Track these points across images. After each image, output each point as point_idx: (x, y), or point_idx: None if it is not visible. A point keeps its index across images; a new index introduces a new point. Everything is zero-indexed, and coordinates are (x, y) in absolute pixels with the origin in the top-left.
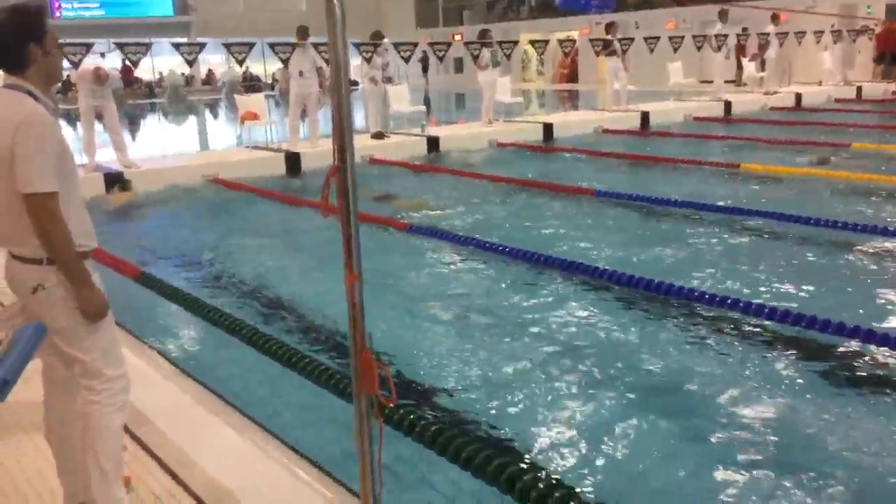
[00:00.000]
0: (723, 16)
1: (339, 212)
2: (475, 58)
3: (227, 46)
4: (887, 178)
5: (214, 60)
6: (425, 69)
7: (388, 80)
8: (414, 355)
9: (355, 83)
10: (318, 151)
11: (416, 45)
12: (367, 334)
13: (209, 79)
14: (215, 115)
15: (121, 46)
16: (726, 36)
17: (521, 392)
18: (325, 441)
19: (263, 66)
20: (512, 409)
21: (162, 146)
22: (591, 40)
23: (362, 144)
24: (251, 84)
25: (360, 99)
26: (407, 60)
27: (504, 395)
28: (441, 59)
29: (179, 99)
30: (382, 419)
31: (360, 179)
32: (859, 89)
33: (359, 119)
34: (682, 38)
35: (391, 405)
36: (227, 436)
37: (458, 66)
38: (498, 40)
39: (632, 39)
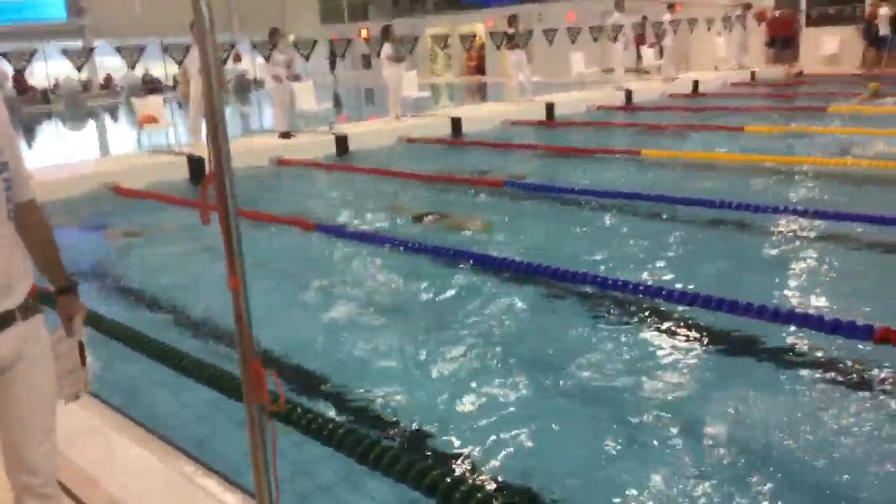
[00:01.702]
0: (619, 5)
1: (220, 219)
2: (377, 54)
3: (119, 50)
4: (777, 159)
5: (113, 64)
6: (333, 65)
7: (296, 77)
8: (322, 354)
9: (260, 82)
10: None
11: (315, 42)
12: (255, 339)
13: (107, 83)
14: (115, 121)
15: (3, 54)
16: (622, 26)
17: (432, 386)
18: (230, 447)
19: (164, 67)
20: (421, 405)
21: (58, 155)
22: (491, 34)
23: (270, 145)
24: (151, 87)
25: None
26: (307, 58)
27: (415, 390)
28: (343, 55)
29: (77, 105)
30: (277, 423)
31: (274, 184)
32: (753, 73)
33: (267, 118)
34: (580, 29)
35: (280, 410)
36: (129, 451)
37: (367, 61)
38: (400, 36)
39: (531, 32)
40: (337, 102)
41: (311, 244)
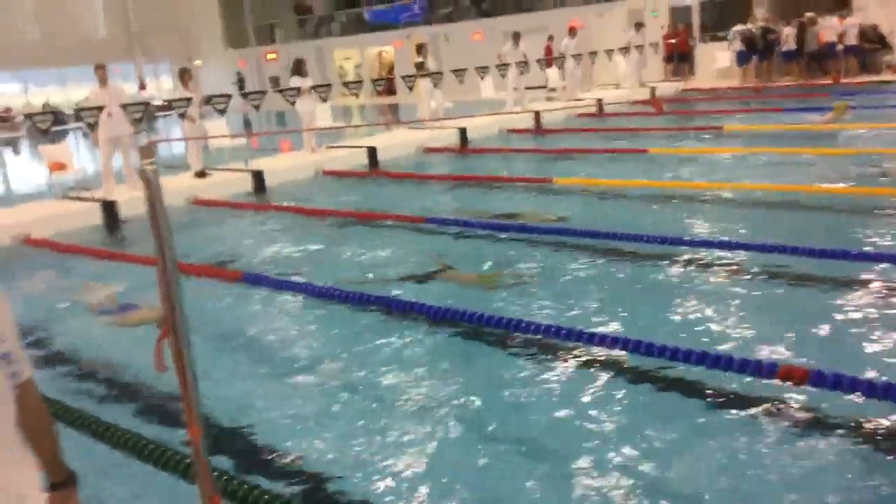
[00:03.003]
0: (515, 39)
1: (178, 373)
2: (292, 103)
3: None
4: (683, 184)
5: (10, 91)
6: (241, 89)
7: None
8: (263, 419)
9: (168, 107)
10: (137, 197)
11: (229, 97)
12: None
13: (6, 115)
14: (17, 154)
15: None
16: (522, 55)
17: (378, 452)
18: None
19: (65, 95)
20: (368, 476)
21: None
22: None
23: (185, 185)
24: (54, 118)
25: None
26: (223, 112)
27: (359, 459)
28: (257, 108)
29: None
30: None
31: (190, 225)
32: (653, 90)
33: (179, 152)
34: (487, 67)
35: None
36: None
37: (276, 84)
38: (313, 85)
39: (441, 73)
40: (248, 131)
41: (239, 295)
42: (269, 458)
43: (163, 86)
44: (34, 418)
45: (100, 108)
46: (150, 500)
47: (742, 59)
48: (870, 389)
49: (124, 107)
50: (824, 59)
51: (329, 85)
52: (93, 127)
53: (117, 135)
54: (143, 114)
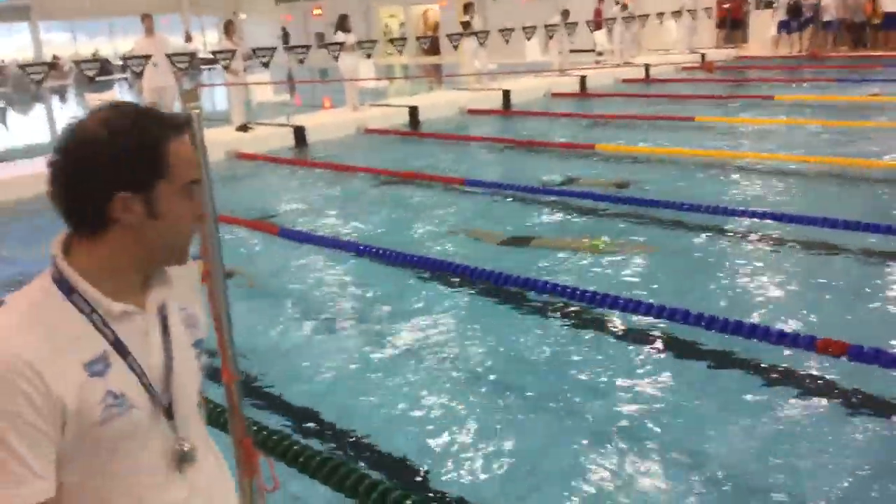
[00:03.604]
0: (564, 16)
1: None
2: (336, 57)
3: None
4: (727, 154)
5: (59, 41)
6: (286, 43)
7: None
8: (300, 376)
9: (212, 60)
10: None
11: (274, 50)
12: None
13: (55, 63)
14: (64, 103)
15: None
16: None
17: (412, 408)
18: None
19: (113, 46)
20: (404, 428)
21: (6, 147)
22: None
23: (226, 138)
24: (101, 67)
25: (223, 87)
26: (266, 65)
27: (394, 413)
28: (301, 62)
29: (24, 89)
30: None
31: (230, 178)
32: (703, 56)
33: (221, 106)
34: (535, 27)
35: (273, 490)
36: None
37: (321, 40)
38: (358, 41)
39: (487, 33)
40: (291, 82)
41: (275, 247)
42: (297, 408)
43: (208, 39)
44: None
45: (146, 58)
46: None
47: (784, 27)
48: None
49: (169, 57)
50: (860, 30)
51: (374, 41)
52: (138, 76)
53: (161, 85)
54: (189, 64)
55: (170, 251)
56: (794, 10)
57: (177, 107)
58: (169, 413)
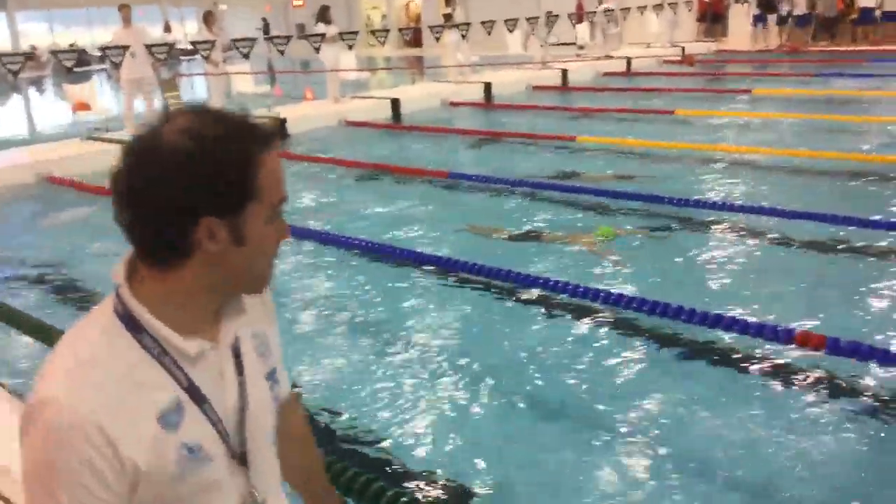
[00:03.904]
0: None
1: None
2: (317, 49)
3: None
4: (706, 147)
5: (36, 31)
6: (266, 33)
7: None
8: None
9: (192, 51)
10: None
11: (254, 41)
12: None
13: (32, 54)
14: (42, 94)
15: None
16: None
17: (399, 399)
18: None
19: (91, 36)
20: (391, 421)
21: None
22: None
23: None
24: (79, 58)
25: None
26: (246, 56)
27: (381, 407)
28: (282, 52)
29: (1, 79)
30: None
31: None
32: (683, 50)
33: (201, 97)
34: (517, 20)
35: None
36: None
37: (302, 31)
38: (339, 32)
39: (469, 25)
40: (271, 73)
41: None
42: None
43: (188, 30)
44: (294, 440)
45: (124, 48)
46: None
47: (758, 21)
48: (885, 358)
49: (148, 48)
50: (833, 26)
51: (355, 32)
52: (117, 66)
53: (140, 76)
54: (167, 54)
55: (252, 278)
56: (766, 5)
57: (156, 97)
58: (243, 459)
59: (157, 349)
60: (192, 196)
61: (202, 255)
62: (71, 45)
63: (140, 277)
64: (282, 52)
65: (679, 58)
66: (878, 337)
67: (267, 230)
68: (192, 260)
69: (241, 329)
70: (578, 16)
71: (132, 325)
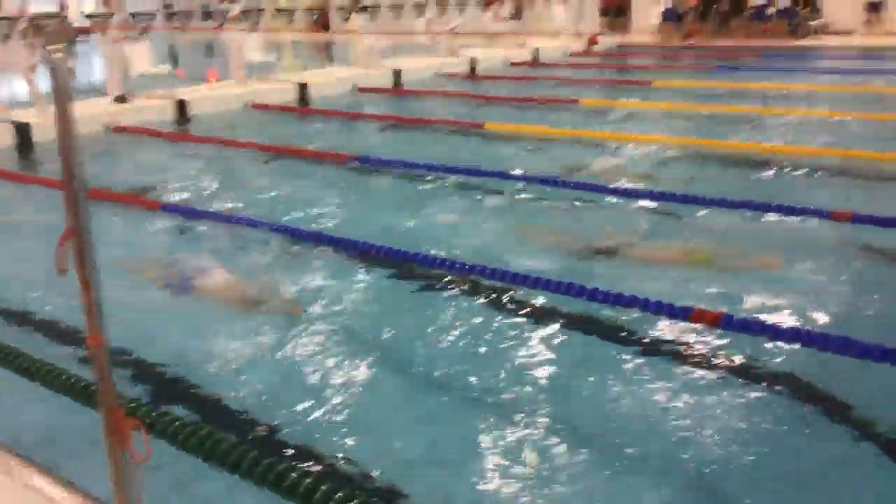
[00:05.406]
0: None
1: (80, 278)
2: (220, 25)
3: None
4: (608, 135)
5: None
6: (170, 15)
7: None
8: (174, 349)
9: (86, 31)
10: (50, 122)
11: (154, 15)
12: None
13: None
14: None
15: None
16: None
17: (290, 381)
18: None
19: None
20: (281, 399)
21: None
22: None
23: (104, 110)
24: None
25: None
26: (146, 31)
27: (270, 387)
28: (183, 29)
29: None
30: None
31: (108, 152)
32: (589, 36)
33: (98, 76)
34: (426, 3)
35: (144, 461)
36: None
37: (207, 14)
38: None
39: (378, 6)
40: (173, 56)
41: (156, 223)
42: (178, 386)
43: (85, 6)
44: None
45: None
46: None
47: (667, 16)
48: (775, 333)
49: (36, 20)
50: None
51: (261, 10)
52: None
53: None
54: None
55: None
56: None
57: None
58: None
59: None
60: None
61: None
62: None
63: None
64: (183, 29)
65: (583, 49)
66: (765, 316)
67: None
68: None
69: None
70: (487, 3)
71: None
